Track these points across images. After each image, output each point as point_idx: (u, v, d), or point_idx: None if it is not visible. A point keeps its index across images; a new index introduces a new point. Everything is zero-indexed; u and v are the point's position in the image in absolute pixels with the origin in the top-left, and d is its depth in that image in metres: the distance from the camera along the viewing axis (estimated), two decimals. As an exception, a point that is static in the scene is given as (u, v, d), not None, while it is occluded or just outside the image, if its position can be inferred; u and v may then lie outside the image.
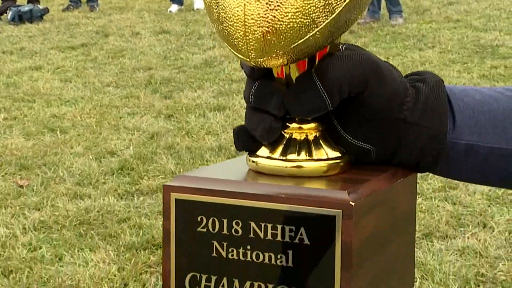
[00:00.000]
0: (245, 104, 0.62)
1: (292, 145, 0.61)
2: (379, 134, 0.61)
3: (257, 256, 0.58)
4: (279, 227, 0.57)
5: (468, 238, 2.93)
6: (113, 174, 3.77)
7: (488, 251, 2.81)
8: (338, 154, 0.61)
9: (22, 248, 2.92)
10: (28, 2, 8.75)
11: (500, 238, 2.92)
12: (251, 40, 0.56)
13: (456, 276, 2.64)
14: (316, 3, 0.55)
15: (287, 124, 0.61)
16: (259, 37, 0.56)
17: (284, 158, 0.60)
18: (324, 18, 0.56)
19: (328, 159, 0.60)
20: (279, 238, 0.57)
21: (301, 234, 0.56)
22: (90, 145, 4.21)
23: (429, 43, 6.50)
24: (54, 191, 3.55)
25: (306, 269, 0.57)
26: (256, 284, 0.58)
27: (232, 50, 0.58)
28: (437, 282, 2.60)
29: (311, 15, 0.55)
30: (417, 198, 0.69)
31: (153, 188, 3.54)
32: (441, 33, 6.81)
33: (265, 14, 0.55)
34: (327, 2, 0.55)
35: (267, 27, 0.55)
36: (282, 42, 0.56)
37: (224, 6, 0.56)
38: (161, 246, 0.63)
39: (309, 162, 0.60)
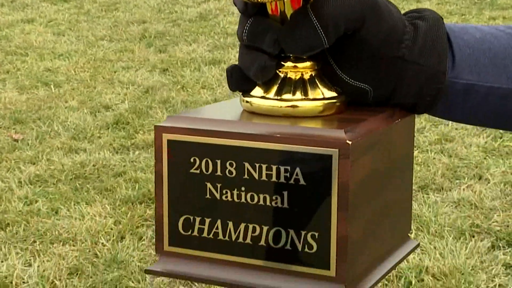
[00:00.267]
0: None
1: (287, 85, 0.59)
2: (376, 73, 0.60)
3: (252, 198, 0.57)
4: (274, 167, 0.55)
5: (463, 190, 2.93)
6: (108, 128, 3.75)
7: (483, 202, 2.82)
8: (334, 94, 0.60)
9: (18, 202, 2.92)
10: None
11: (496, 190, 2.93)
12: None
13: (451, 227, 2.65)
14: None
15: (282, 62, 0.59)
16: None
17: (279, 97, 0.59)
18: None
19: (324, 98, 0.59)
20: (274, 179, 0.56)
21: (297, 175, 0.55)
22: (85, 99, 4.18)
23: (426, -5, 6.43)
24: (49, 145, 3.54)
25: (301, 210, 0.56)
26: (250, 226, 0.57)
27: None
28: (432, 234, 2.62)
29: None
30: (413, 151, 0.68)
31: (149, 142, 3.53)
32: (438, -15, 6.73)
33: None
34: None
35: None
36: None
37: None
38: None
39: (304, 102, 0.58)
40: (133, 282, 2.36)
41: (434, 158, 3.24)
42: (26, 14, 6.33)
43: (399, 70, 0.60)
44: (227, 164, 0.57)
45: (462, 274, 2.36)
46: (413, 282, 2.31)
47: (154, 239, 2.65)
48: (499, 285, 2.32)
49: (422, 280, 2.34)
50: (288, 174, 0.55)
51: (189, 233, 0.59)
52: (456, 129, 3.57)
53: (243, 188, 0.57)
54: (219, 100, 4.05)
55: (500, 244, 2.54)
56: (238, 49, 0.61)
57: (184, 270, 0.60)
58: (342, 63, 0.60)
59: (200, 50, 5.11)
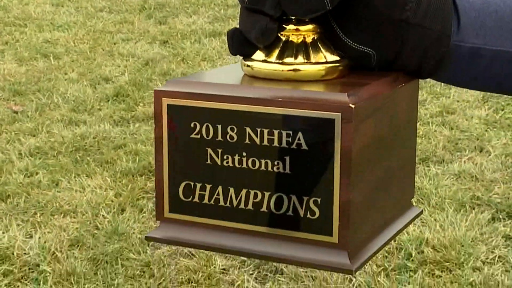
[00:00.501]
0: None
1: (289, 48, 0.58)
2: (380, 36, 0.58)
3: (253, 163, 0.56)
4: (276, 132, 0.54)
5: (464, 162, 2.93)
6: (108, 100, 3.74)
7: (484, 174, 2.82)
8: (337, 58, 0.59)
9: (19, 174, 2.92)
10: None
11: (497, 162, 2.92)
12: None
13: (452, 199, 2.65)
14: None
15: (284, 25, 0.58)
16: None
17: (280, 61, 0.57)
18: None
19: (326, 62, 0.58)
20: (275, 143, 0.55)
21: (299, 139, 0.54)
22: (85, 71, 4.16)
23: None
24: (49, 117, 3.53)
25: (304, 175, 0.55)
26: (252, 192, 0.56)
27: None
28: (433, 206, 2.62)
29: None
30: (417, 117, 0.67)
31: (149, 114, 3.52)
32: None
33: None
34: None
35: None
36: None
37: None
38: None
39: (306, 66, 0.57)
40: (133, 254, 2.37)
41: (435, 131, 3.23)
42: (24, -15, 6.27)
43: (403, 33, 0.58)
44: (228, 129, 0.56)
45: (462, 246, 2.36)
46: (413, 254, 2.32)
47: (154, 212, 2.67)
48: (499, 256, 2.33)
49: (422, 252, 2.34)
50: (290, 139, 0.54)
51: (190, 199, 0.58)
52: (458, 101, 3.55)
53: (244, 154, 0.56)
54: (219, 72, 4.03)
55: (501, 216, 2.55)
56: (238, 21, 0.59)
57: (185, 237, 0.59)
58: (345, 27, 0.59)
59: (200, 21, 5.08)
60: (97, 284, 2.23)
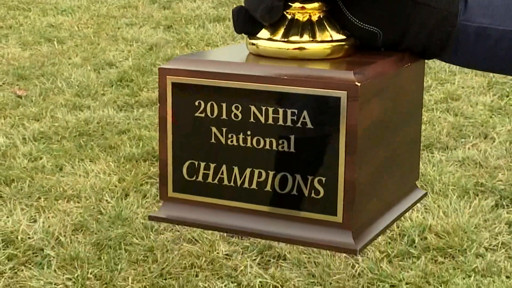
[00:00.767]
0: None
1: (295, 26, 0.57)
2: (386, 15, 0.58)
3: (258, 142, 0.55)
4: (281, 110, 0.54)
5: (468, 148, 2.92)
6: (112, 85, 3.73)
7: (488, 161, 2.81)
8: (343, 36, 0.58)
9: (23, 158, 2.92)
10: None
11: (501, 148, 2.91)
12: None
13: (456, 186, 2.64)
14: None
15: (289, 3, 0.58)
16: None
17: (286, 39, 0.57)
18: None
19: (332, 41, 0.57)
20: (280, 122, 0.54)
21: (304, 118, 0.54)
22: (89, 56, 4.15)
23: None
24: (53, 102, 3.52)
25: (309, 154, 0.54)
26: (256, 171, 0.56)
27: None
28: (437, 192, 2.61)
29: None
30: (422, 99, 0.66)
31: (153, 100, 3.51)
32: None
33: None
34: None
35: None
36: None
37: None
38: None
39: (312, 44, 0.57)
40: (137, 239, 2.37)
41: (439, 117, 3.22)
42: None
43: (410, 12, 0.58)
44: (233, 107, 0.55)
45: (465, 232, 2.36)
46: (416, 240, 2.32)
47: (158, 197, 2.66)
48: (502, 243, 2.32)
49: (425, 238, 2.34)
50: (295, 118, 0.54)
51: (194, 178, 0.58)
52: (462, 87, 3.54)
53: (249, 132, 0.55)
54: (223, 58, 4.02)
55: (504, 203, 2.54)
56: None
57: (188, 217, 0.59)
58: (351, 5, 0.58)
59: (204, 6, 5.06)
60: (100, 269, 2.23)
